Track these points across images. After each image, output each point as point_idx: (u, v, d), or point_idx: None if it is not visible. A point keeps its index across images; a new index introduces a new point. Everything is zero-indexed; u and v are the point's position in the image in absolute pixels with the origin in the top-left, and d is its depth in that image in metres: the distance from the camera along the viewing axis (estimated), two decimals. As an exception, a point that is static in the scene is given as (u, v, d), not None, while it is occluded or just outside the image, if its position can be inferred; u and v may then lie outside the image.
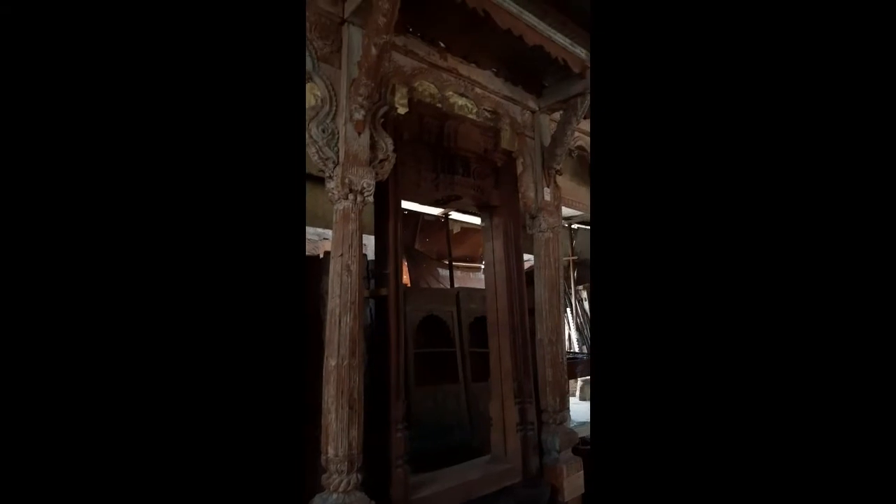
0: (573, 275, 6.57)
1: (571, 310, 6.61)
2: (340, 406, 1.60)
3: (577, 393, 5.81)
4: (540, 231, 2.67)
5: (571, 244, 6.41)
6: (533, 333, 2.63)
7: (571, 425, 3.59)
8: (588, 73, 2.45)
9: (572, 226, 6.14)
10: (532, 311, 2.67)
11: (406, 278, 5.46)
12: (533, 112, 2.76)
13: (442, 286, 5.36)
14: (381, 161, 1.90)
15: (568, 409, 2.80)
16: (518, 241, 2.63)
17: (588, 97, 2.51)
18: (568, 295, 6.61)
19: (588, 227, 5.92)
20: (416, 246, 5.73)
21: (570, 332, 6.56)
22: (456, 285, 5.13)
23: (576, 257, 6.46)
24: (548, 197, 2.72)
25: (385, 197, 2.00)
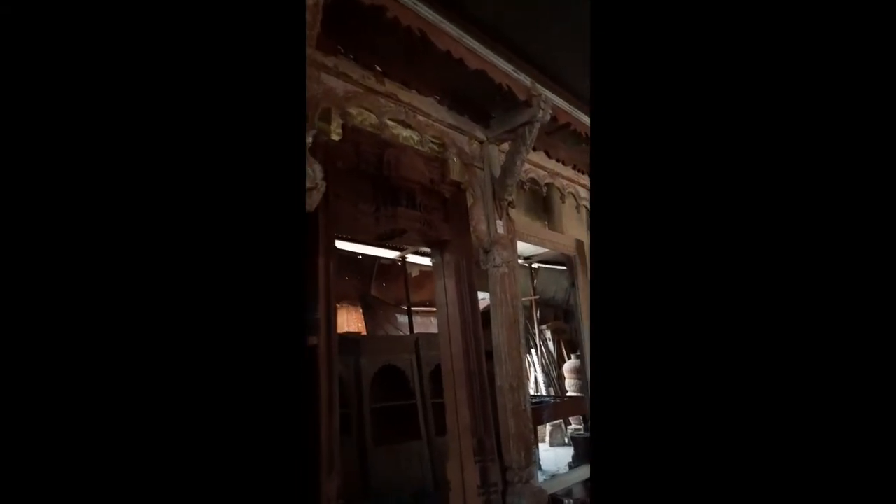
0: (536, 315, 6.41)
1: (536, 351, 6.39)
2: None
3: (547, 438, 5.50)
4: (495, 266, 2.48)
5: (532, 283, 6.30)
6: (492, 379, 2.37)
7: (541, 479, 3.28)
8: (534, 100, 2.37)
9: (533, 265, 6.06)
10: (490, 355, 2.43)
11: (361, 326, 5.14)
12: (481, 142, 2.64)
13: (401, 333, 5.06)
14: (309, 190, 1.67)
15: (536, 462, 2.51)
16: (471, 278, 2.43)
17: (535, 126, 2.42)
18: (532, 335, 6.42)
19: (549, 266, 5.84)
20: (373, 292, 5.43)
21: (537, 375, 6.31)
22: (416, 332, 4.84)
23: (537, 297, 6.33)
24: (501, 230, 2.55)
25: (314, 231, 1.76)
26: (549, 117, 2.42)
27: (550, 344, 6.52)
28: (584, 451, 3.36)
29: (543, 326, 6.45)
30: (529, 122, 2.41)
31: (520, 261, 5.87)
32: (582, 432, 3.94)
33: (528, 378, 6.15)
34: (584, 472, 3.12)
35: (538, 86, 2.41)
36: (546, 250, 3.60)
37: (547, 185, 3.14)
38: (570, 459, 3.48)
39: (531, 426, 2.48)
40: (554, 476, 3.18)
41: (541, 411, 3.56)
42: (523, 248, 4.21)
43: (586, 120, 2.79)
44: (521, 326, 2.71)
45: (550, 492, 2.77)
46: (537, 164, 3.05)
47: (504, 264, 2.49)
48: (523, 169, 2.89)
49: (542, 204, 3.36)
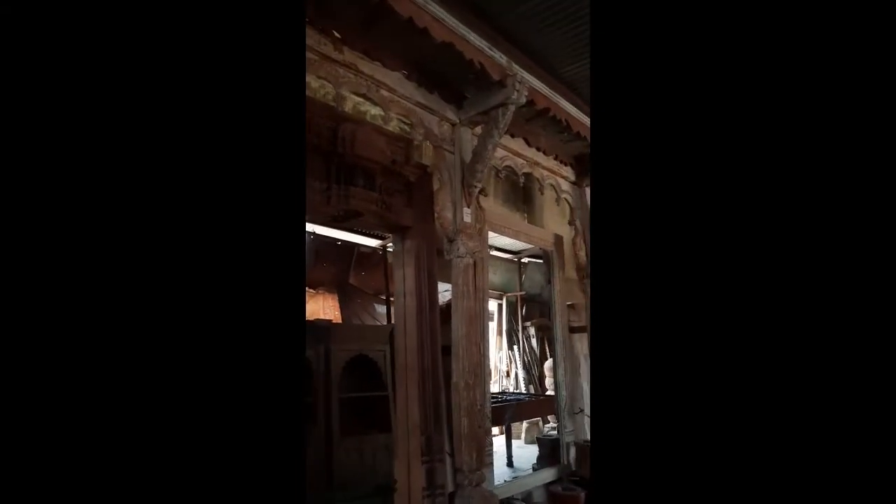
0: (521, 311, 6.29)
1: (519, 347, 6.28)
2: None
3: (523, 435, 5.41)
4: (458, 256, 2.34)
5: (520, 279, 6.18)
6: (448, 377, 2.24)
7: (507, 478, 3.16)
8: (508, 80, 2.22)
9: (522, 260, 5.94)
10: (449, 350, 2.29)
11: (337, 314, 5.02)
12: (453, 124, 2.49)
13: (379, 324, 4.95)
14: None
15: (490, 465, 2.38)
16: (432, 267, 2.29)
17: (509, 109, 2.26)
18: (515, 332, 6.31)
19: (538, 262, 5.72)
20: (351, 280, 5.30)
21: (518, 371, 6.21)
22: (394, 322, 4.71)
23: (524, 293, 6.21)
24: (468, 218, 2.41)
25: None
26: (524, 100, 2.27)
27: (534, 341, 6.41)
28: (549, 452, 3.24)
29: (528, 323, 6.34)
30: (503, 104, 2.26)
31: (507, 255, 5.77)
32: (554, 434, 3.82)
33: (508, 374, 6.07)
34: (547, 474, 3.00)
35: (514, 65, 2.26)
36: (532, 245, 3.46)
37: (525, 174, 2.99)
38: (535, 461, 3.37)
39: (487, 426, 2.35)
40: (516, 478, 3.07)
41: (503, 411, 3.43)
42: (508, 241, 4.07)
43: (567, 106, 2.64)
44: (488, 321, 2.58)
45: (509, 494, 2.66)
46: (515, 152, 2.90)
47: (469, 255, 2.35)
48: (500, 156, 2.75)
49: (521, 195, 3.21)
